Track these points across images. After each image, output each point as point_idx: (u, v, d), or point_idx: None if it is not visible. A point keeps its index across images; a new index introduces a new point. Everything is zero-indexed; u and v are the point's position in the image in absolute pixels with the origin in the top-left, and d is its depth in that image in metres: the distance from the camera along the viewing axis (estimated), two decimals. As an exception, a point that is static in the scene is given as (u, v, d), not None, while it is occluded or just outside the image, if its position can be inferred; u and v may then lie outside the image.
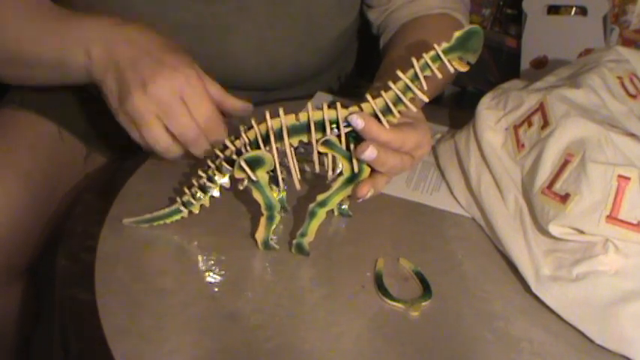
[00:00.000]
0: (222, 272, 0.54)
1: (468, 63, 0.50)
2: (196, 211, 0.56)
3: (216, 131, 0.58)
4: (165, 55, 0.58)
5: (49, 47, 0.62)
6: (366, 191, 0.52)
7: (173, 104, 0.56)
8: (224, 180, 0.54)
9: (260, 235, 0.55)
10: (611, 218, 0.51)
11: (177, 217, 0.56)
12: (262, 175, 0.52)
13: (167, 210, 0.56)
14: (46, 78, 0.67)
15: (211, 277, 0.53)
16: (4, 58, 0.66)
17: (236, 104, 0.60)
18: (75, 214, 0.59)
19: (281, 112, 0.51)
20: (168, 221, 0.56)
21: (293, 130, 0.51)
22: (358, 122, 0.50)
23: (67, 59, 0.61)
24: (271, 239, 0.55)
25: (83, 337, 0.47)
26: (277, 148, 0.51)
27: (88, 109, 0.86)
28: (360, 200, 0.53)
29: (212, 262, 0.55)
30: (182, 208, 0.56)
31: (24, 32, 0.64)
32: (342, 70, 0.95)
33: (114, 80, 0.58)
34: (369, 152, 0.50)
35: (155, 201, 0.58)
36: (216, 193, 0.55)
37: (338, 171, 0.53)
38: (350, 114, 0.50)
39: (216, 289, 0.52)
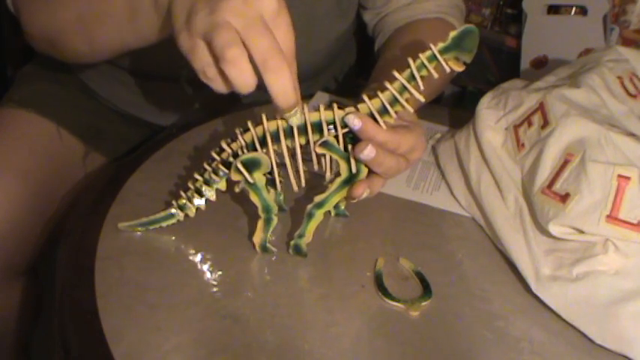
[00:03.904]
0: (222, 272, 0.54)
1: (464, 63, 0.50)
2: (192, 214, 0.56)
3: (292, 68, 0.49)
4: None
5: None
6: (362, 192, 0.52)
7: (255, 19, 0.46)
8: (220, 183, 0.54)
9: (257, 238, 0.55)
10: (611, 218, 0.51)
11: (173, 220, 0.56)
12: (259, 177, 0.51)
13: (163, 214, 0.56)
14: (115, 33, 0.61)
15: (211, 277, 0.53)
16: (74, 23, 0.63)
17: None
18: (75, 214, 0.59)
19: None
20: (164, 225, 0.56)
21: (290, 132, 0.51)
22: (355, 122, 0.50)
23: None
24: (269, 242, 0.55)
25: (83, 337, 0.47)
26: (274, 150, 0.51)
27: (87, 109, 0.86)
28: (355, 200, 0.53)
29: (212, 262, 0.54)
30: (178, 211, 0.55)
31: None
32: (341, 70, 0.96)
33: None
34: (368, 151, 0.50)
35: (155, 201, 0.58)
36: (212, 196, 0.55)
37: (335, 171, 0.53)
38: (347, 114, 0.50)
39: (216, 289, 0.52)
